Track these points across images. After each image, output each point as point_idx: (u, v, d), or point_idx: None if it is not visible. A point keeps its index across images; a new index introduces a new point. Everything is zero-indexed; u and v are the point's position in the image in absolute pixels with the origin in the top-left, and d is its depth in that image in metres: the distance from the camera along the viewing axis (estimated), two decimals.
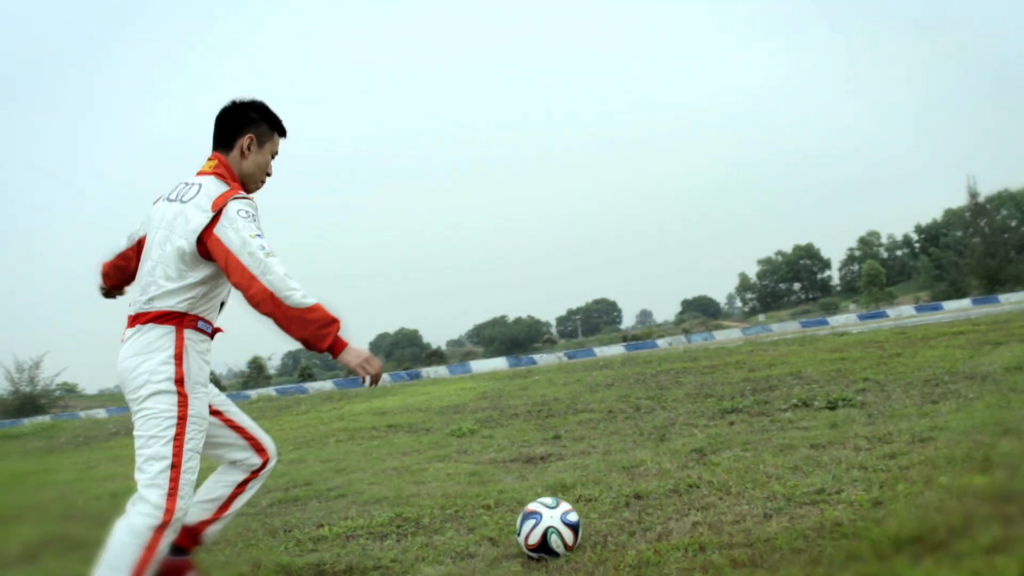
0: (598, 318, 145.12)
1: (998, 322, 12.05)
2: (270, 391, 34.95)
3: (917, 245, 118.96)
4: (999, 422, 4.99)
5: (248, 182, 3.28)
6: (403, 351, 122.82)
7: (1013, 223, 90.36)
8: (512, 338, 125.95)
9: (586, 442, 6.59)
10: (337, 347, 2.91)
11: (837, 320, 48.43)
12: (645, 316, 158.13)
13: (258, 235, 2.95)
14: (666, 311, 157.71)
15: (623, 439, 6.51)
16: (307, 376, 75.15)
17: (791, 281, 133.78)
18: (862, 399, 6.83)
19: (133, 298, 3.09)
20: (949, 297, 66.13)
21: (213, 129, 3.29)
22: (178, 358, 2.94)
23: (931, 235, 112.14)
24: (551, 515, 3.50)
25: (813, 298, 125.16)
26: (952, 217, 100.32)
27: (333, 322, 2.91)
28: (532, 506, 3.60)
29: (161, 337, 2.95)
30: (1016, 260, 74.07)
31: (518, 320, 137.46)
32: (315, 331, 2.87)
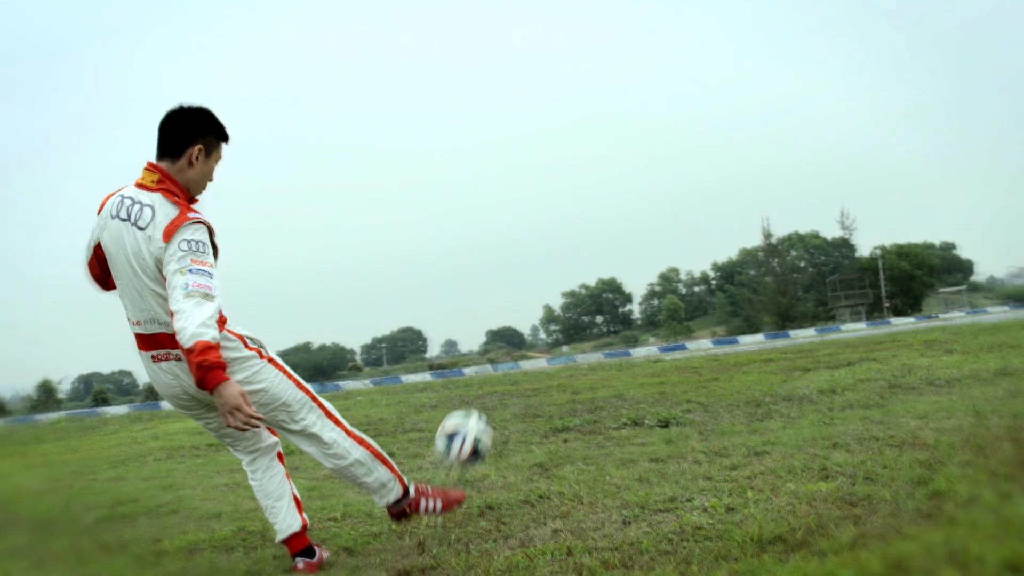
0: (404, 347, 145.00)
1: (803, 351, 12.94)
2: (60, 415, 32.72)
3: (714, 282, 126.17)
4: (826, 437, 5.32)
5: (192, 190, 3.32)
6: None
7: (802, 263, 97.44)
8: (316, 365, 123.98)
9: (421, 459, 6.54)
10: (208, 384, 2.98)
11: (639, 352, 50.45)
12: (451, 346, 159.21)
13: (189, 271, 3.02)
14: (471, 341, 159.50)
15: None
16: (101, 401, 71.05)
17: (594, 314, 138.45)
18: (691, 418, 7.15)
19: (142, 319, 3.23)
20: (743, 332, 70.27)
21: (158, 136, 3.26)
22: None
23: (727, 273, 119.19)
24: (472, 424, 3.95)
25: (615, 331, 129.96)
26: (747, 256, 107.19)
27: (206, 360, 2.94)
28: (449, 426, 3.97)
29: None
30: (804, 299, 79.77)
31: (323, 347, 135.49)
32: (195, 369, 2.96)
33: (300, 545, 3.57)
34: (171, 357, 3.24)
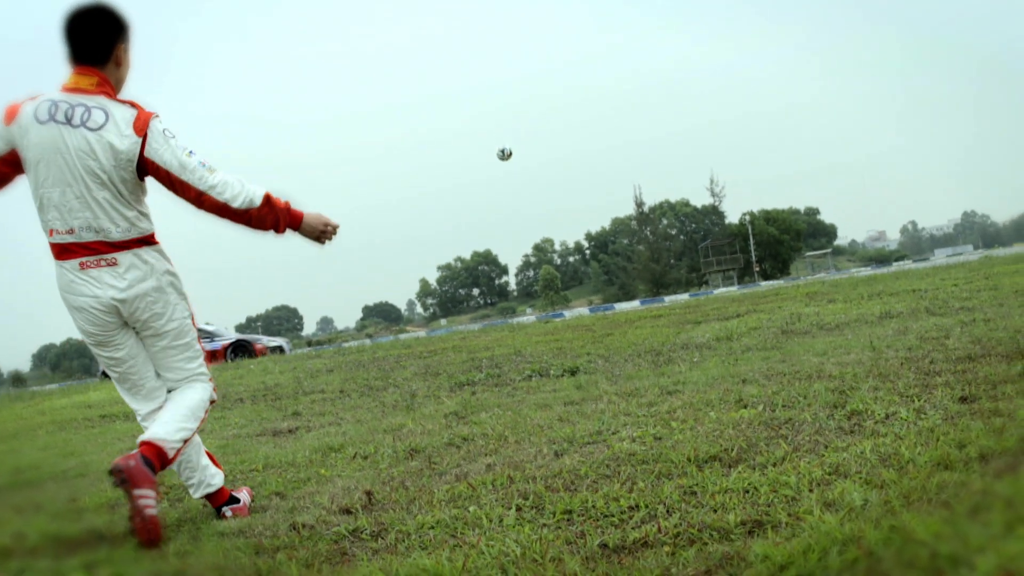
0: (279, 325, 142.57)
1: (690, 306, 13.32)
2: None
3: (588, 252, 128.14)
4: (734, 375, 5.53)
5: (118, 91, 3.26)
6: (71, 362, 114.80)
7: (674, 231, 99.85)
8: None
9: (331, 416, 6.51)
10: (294, 224, 3.34)
11: (523, 322, 50.73)
12: (327, 323, 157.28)
13: (190, 152, 3.17)
14: (348, 318, 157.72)
15: (370, 411, 6.50)
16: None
17: (471, 286, 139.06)
18: (596, 367, 7.30)
19: (76, 227, 3.11)
20: (619, 299, 71.72)
21: (76, 39, 3.13)
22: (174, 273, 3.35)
23: (601, 242, 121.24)
24: None
25: (492, 303, 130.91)
26: (619, 225, 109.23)
27: (282, 208, 3.28)
28: None
29: (161, 257, 3.29)
30: (677, 265, 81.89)
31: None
32: (271, 222, 3.27)
33: (222, 498, 3.53)
34: (103, 263, 3.12)
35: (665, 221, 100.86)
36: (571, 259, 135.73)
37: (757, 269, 73.98)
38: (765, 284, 53.10)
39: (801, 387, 4.63)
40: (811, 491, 2.75)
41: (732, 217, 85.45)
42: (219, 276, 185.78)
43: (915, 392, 4.15)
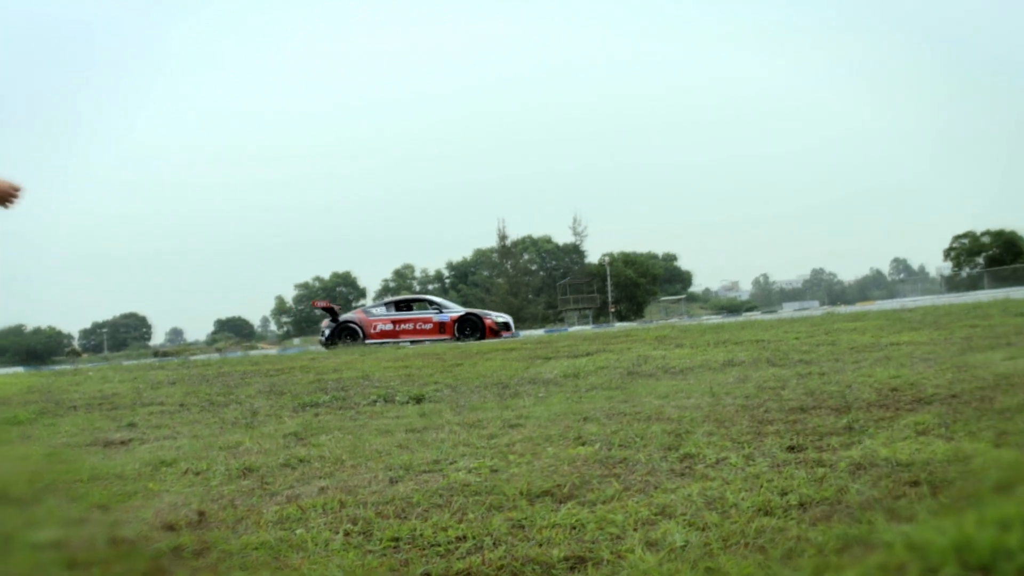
0: (126, 333, 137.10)
1: (542, 341, 13.49)
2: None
3: (448, 280, 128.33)
4: (577, 412, 5.62)
5: None
6: None
7: (534, 267, 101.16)
8: (29, 349, 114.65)
9: (167, 429, 6.31)
10: None
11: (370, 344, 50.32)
12: (176, 334, 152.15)
13: None
14: (199, 330, 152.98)
15: (208, 427, 6.33)
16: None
17: None
18: (442, 395, 7.31)
19: None
20: None
21: None
22: None
23: (461, 272, 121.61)
24: None
25: None
26: (481, 257, 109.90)
27: None
28: None
29: None
30: (535, 301, 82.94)
31: (37, 330, 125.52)
32: None
33: None
34: None
35: (527, 256, 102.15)
36: (430, 287, 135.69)
37: (613, 310, 75.65)
38: (619, 325, 54.24)
39: (640, 428, 4.74)
40: (636, 530, 2.82)
41: (592, 257, 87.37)
42: (64, 282, 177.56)
43: (747, 439, 4.30)
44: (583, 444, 4.40)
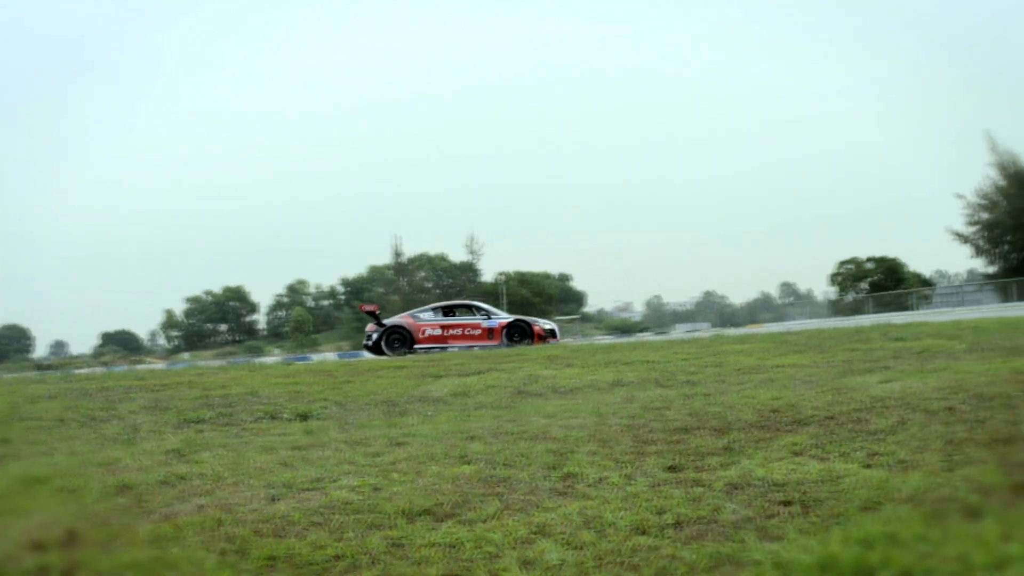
0: (6, 345, 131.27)
1: (433, 360, 13.45)
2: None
3: (342, 297, 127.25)
4: (463, 431, 5.62)
5: None
6: None
7: (429, 284, 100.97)
8: None
9: (43, 445, 6.06)
10: None
11: (265, 362, 49.44)
12: (59, 347, 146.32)
13: None
14: (83, 343, 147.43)
15: (87, 443, 6.12)
16: None
17: (219, 321, 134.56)
18: (329, 413, 7.22)
19: None
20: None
21: None
22: None
23: (356, 289, 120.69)
24: None
25: (239, 340, 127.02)
26: (376, 274, 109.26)
27: None
28: None
29: None
30: None
31: None
32: None
33: None
34: None
35: (422, 273, 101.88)
36: (324, 303, 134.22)
37: None
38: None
39: (524, 447, 4.77)
40: (513, 548, 2.83)
41: (488, 276, 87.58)
42: None
43: (629, 458, 4.37)
44: (467, 463, 4.41)
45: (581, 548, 2.81)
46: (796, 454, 4.34)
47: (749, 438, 4.80)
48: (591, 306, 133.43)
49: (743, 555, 2.80)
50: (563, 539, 2.92)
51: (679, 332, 55.28)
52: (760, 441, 4.70)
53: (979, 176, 54.84)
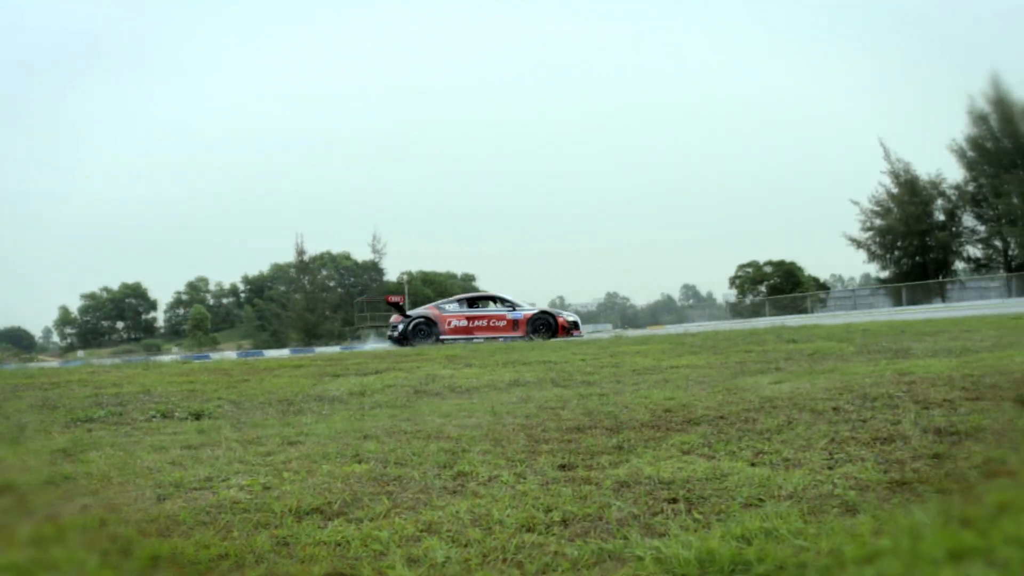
0: None
1: (333, 359, 13.35)
2: None
3: (244, 295, 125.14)
4: (358, 430, 5.60)
5: None
6: None
7: (332, 283, 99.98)
8: None
9: None
10: None
11: (162, 360, 48.26)
12: None
13: None
14: None
15: None
16: None
17: (116, 319, 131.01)
18: (224, 412, 7.11)
19: None
20: (270, 346, 70.44)
21: None
22: None
23: (258, 287, 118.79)
24: None
25: (136, 338, 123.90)
26: (278, 272, 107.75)
27: None
28: None
29: None
30: (332, 318, 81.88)
31: None
32: None
33: None
34: None
35: (325, 272, 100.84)
36: (225, 300, 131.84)
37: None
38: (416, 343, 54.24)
39: (418, 446, 4.77)
40: (400, 546, 2.84)
41: (391, 275, 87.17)
42: None
43: (521, 457, 4.41)
44: (359, 462, 4.39)
45: (467, 545, 2.84)
46: (685, 453, 4.43)
47: (640, 437, 4.88)
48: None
49: (626, 551, 2.86)
50: (450, 537, 2.94)
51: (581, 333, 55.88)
52: (651, 440, 4.78)
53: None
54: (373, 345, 58.43)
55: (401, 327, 21.14)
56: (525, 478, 3.92)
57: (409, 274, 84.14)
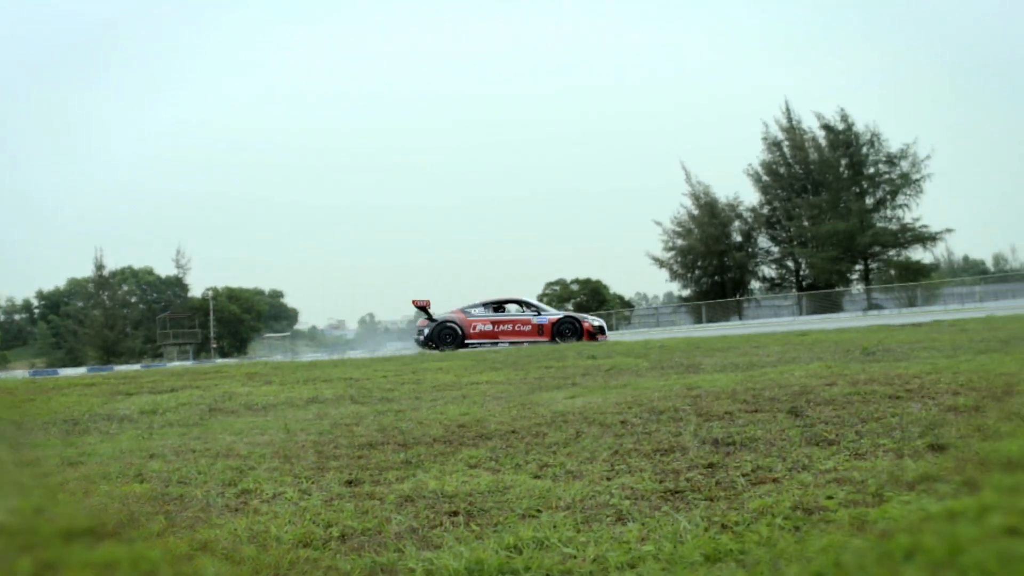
0: None
1: (128, 376, 12.80)
2: None
3: (37, 311, 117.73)
4: (144, 449, 5.44)
5: None
6: None
7: (133, 299, 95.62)
8: None
9: None
10: None
11: None
12: None
13: None
14: None
15: None
16: None
17: None
18: (1, 433, 6.71)
19: None
20: (66, 364, 66.73)
21: None
22: None
23: (53, 302, 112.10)
24: None
25: None
26: (76, 287, 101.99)
27: None
28: None
29: None
30: (133, 335, 78.36)
31: None
32: None
33: None
34: None
35: (126, 287, 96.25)
36: (17, 317, 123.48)
37: (215, 346, 73.33)
38: (221, 361, 52.67)
39: (205, 464, 4.69)
40: (171, 565, 2.79)
41: (196, 291, 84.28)
42: None
43: (309, 474, 4.41)
44: (141, 481, 4.28)
45: (241, 563, 2.83)
46: (472, 467, 4.52)
47: (431, 452, 4.95)
48: (304, 323, 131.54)
49: (399, 563, 2.92)
50: (224, 554, 2.92)
51: (389, 349, 55.68)
52: (440, 455, 4.86)
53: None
54: (177, 363, 56.29)
55: (428, 331, 20.67)
56: (310, 494, 3.93)
57: (215, 290, 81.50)
